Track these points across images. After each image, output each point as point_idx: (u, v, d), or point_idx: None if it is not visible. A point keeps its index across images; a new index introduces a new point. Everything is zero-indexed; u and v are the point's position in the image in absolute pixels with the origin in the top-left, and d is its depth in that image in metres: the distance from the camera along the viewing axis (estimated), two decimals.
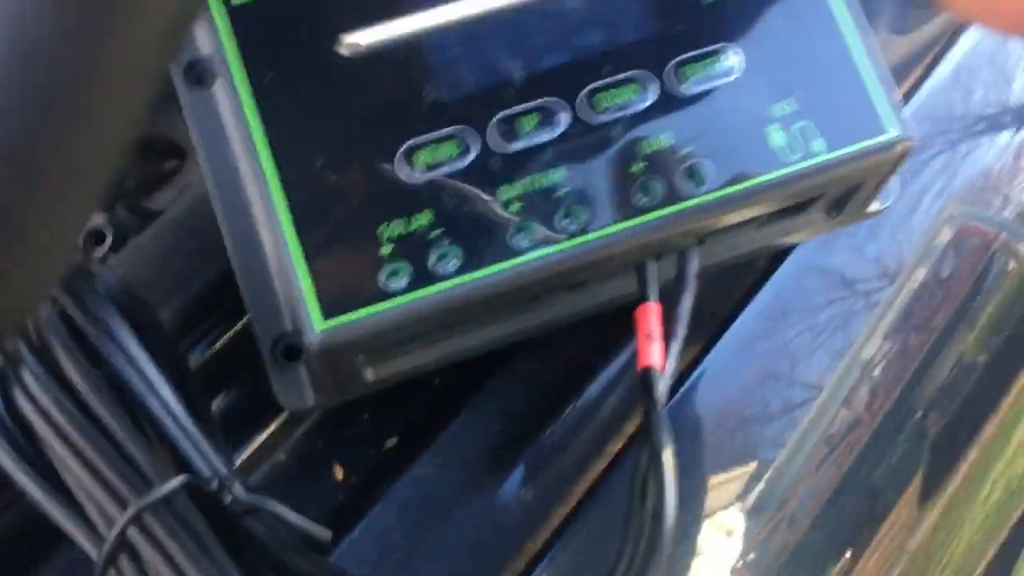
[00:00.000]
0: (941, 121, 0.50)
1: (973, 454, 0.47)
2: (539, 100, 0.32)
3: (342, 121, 0.31)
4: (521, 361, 0.41)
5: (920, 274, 0.46)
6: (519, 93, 0.32)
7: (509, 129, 0.32)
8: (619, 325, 0.40)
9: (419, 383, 0.40)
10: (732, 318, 0.41)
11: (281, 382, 0.33)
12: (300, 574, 0.27)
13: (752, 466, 0.40)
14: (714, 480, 0.40)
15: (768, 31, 0.33)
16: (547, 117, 0.32)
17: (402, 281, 0.30)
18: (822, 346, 0.43)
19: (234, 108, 0.31)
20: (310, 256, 0.30)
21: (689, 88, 0.32)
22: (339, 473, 0.39)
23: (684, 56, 0.33)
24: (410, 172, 0.31)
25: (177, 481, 0.26)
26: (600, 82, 0.32)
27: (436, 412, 0.40)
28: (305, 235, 0.30)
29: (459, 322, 0.33)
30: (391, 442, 0.40)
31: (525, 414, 0.40)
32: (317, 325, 0.30)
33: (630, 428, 0.40)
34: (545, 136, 0.32)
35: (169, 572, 0.25)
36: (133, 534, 0.26)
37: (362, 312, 0.30)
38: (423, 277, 0.30)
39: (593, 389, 0.41)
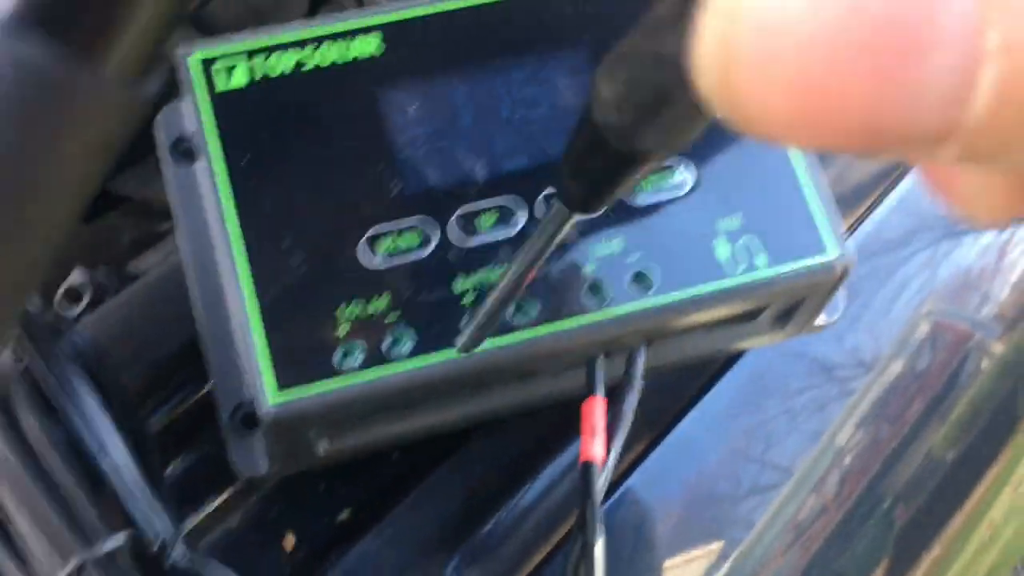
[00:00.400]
0: (926, 218, 0.52)
1: (936, 549, 0.48)
2: (499, 198, 0.34)
3: (311, 205, 0.33)
4: (474, 446, 0.42)
5: (896, 366, 0.47)
6: (481, 191, 0.34)
7: (469, 224, 0.34)
8: (570, 416, 0.41)
9: (377, 456, 0.41)
10: (706, 392, 0.42)
11: (237, 449, 0.34)
12: None
13: (719, 545, 0.41)
14: (680, 556, 0.41)
15: (720, 150, 0.35)
16: (505, 216, 0.34)
17: (356, 360, 0.32)
18: (796, 429, 0.44)
19: (211, 185, 0.33)
20: (269, 329, 0.32)
21: (642, 199, 0.34)
22: (289, 543, 0.40)
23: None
24: (372, 258, 0.33)
25: (120, 538, 0.27)
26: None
27: (392, 486, 0.41)
28: (266, 309, 0.32)
29: (410, 403, 0.34)
30: (344, 514, 0.41)
31: (474, 496, 0.41)
32: (270, 396, 0.31)
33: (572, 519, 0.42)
34: (502, 234, 0.34)
35: None
36: None
37: (315, 387, 0.31)
38: (376, 358, 0.32)
39: (542, 477, 0.42)
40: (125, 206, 0.57)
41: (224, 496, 0.40)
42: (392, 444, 0.37)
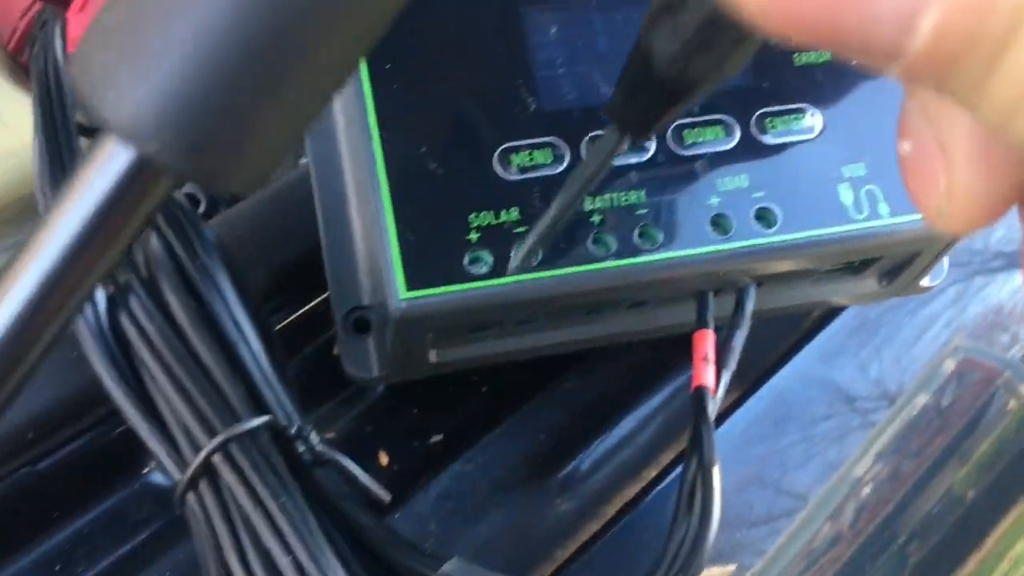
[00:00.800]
0: (960, 253, 0.51)
1: None
2: None
3: (449, 114, 0.34)
4: (567, 380, 0.43)
5: (920, 401, 0.47)
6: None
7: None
8: (663, 355, 0.42)
9: (468, 388, 0.42)
10: (729, 414, 0.42)
11: (350, 352, 0.35)
12: (361, 528, 0.29)
13: (730, 569, 0.41)
14: None
15: (850, 99, 0.35)
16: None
17: (484, 267, 0.32)
18: (815, 458, 0.44)
19: (351, 90, 0.34)
20: (402, 229, 0.33)
21: (769, 138, 0.35)
22: (383, 459, 0.41)
23: (769, 109, 0.35)
24: (505, 170, 0.34)
25: (263, 419, 0.28)
26: (689, 119, 0.35)
27: (482, 418, 0.42)
28: (400, 210, 0.33)
29: (526, 318, 0.35)
30: (436, 438, 0.42)
31: (566, 430, 0.42)
32: (400, 293, 0.32)
33: (665, 458, 0.42)
34: (633, 159, 0.34)
35: (248, 500, 0.27)
36: (217, 461, 0.28)
37: (443, 289, 0.32)
38: (503, 267, 0.33)
39: (634, 416, 0.43)
40: None
41: (321, 410, 0.41)
42: (498, 361, 0.38)
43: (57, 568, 0.38)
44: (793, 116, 0.35)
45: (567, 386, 0.43)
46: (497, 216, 0.33)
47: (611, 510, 0.41)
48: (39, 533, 0.38)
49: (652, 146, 0.34)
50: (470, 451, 0.40)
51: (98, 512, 0.39)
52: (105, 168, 0.20)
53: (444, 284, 0.32)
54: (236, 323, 0.30)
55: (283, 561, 0.26)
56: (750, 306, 0.35)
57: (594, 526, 0.40)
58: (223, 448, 0.28)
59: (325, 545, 0.27)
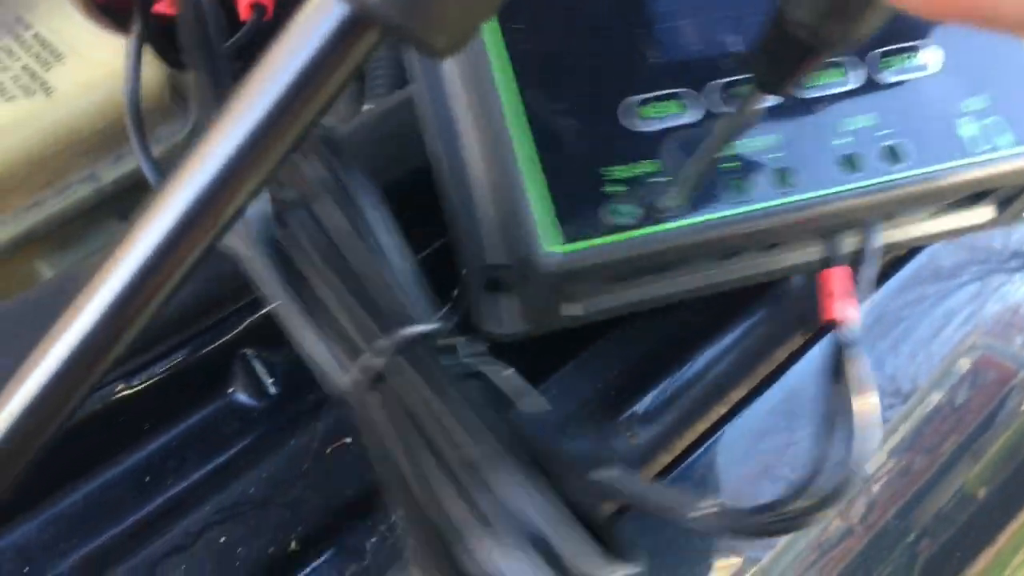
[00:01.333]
0: (979, 251, 0.52)
1: None
2: None
3: (582, 72, 0.35)
4: (640, 317, 0.43)
5: (934, 398, 0.47)
6: (739, 64, 0.35)
7: (729, 95, 0.35)
8: (732, 296, 0.42)
9: None
10: (742, 408, 0.42)
11: (485, 309, 0.36)
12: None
13: (738, 562, 0.41)
14: (699, 570, 0.41)
15: (968, 33, 0.36)
16: None
17: (627, 218, 0.33)
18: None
19: (485, 51, 0.34)
20: (549, 187, 0.33)
21: (890, 76, 0.35)
22: None
23: (888, 47, 0.36)
24: (639, 122, 0.34)
25: (430, 326, 0.29)
26: None
27: (555, 353, 0.42)
28: (547, 168, 0.33)
29: (667, 266, 0.36)
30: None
31: (639, 366, 0.42)
32: (551, 247, 0.32)
33: (736, 395, 0.43)
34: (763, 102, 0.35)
35: (420, 403, 0.27)
36: (385, 365, 0.28)
37: (591, 242, 0.33)
38: (648, 218, 0.33)
39: (705, 354, 0.43)
40: None
41: None
42: (630, 310, 0.39)
43: (147, 479, 0.38)
44: (911, 53, 0.36)
45: (640, 323, 0.43)
46: (634, 168, 0.33)
47: (682, 444, 0.41)
48: (131, 446, 0.38)
49: None
50: (543, 385, 0.40)
51: (186, 428, 0.39)
52: (320, 21, 0.20)
53: (591, 237, 0.33)
54: (388, 235, 0.31)
55: (452, 455, 0.27)
56: (877, 242, 0.36)
57: (665, 459, 0.41)
58: (400, 349, 0.28)
59: (493, 439, 0.27)
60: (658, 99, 0.35)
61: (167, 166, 0.47)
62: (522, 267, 0.33)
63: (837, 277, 0.35)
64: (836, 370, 0.34)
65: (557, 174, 0.33)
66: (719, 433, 0.41)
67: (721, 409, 0.42)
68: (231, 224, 0.21)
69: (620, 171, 0.33)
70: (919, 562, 0.45)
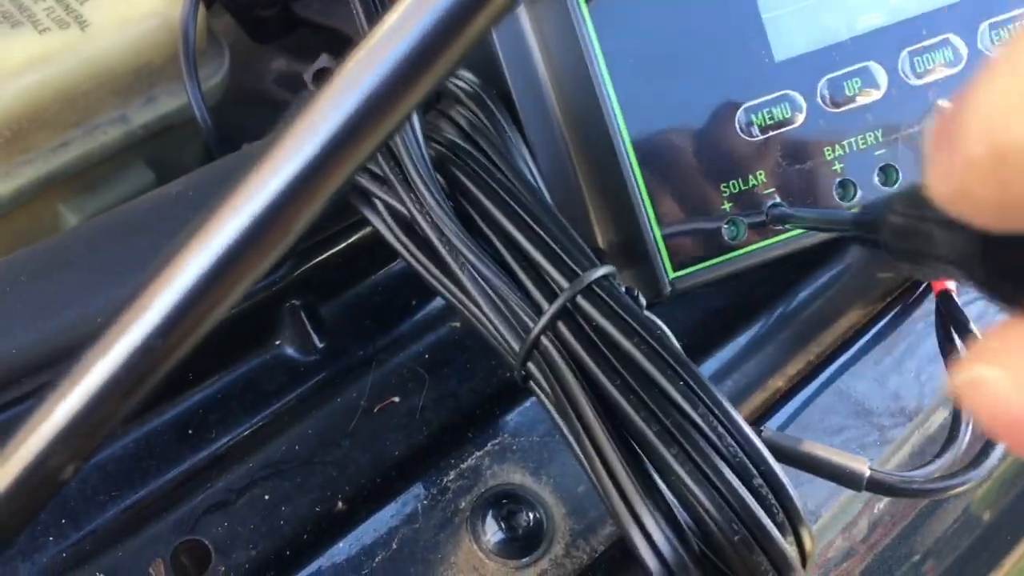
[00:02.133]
0: None
1: None
2: (861, 63, 0.34)
3: (685, 88, 0.34)
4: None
5: (938, 417, 0.45)
6: (844, 58, 0.35)
7: (835, 92, 0.34)
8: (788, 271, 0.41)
9: None
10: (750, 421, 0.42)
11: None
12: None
13: None
14: None
15: None
16: (868, 80, 0.34)
17: (740, 234, 0.34)
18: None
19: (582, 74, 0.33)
20: (660, 213, 0.34)
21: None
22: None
23: (995, 19, 0.35)
24: (748, 133, 0.34)
25: (608, 267, 0.28)
26: (917, 45, 0.35)
27: None
28: (655, 195, 0.34)
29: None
30: None
31: (694, 335, 0.41)
32: (669, 275, 0.34)
33: (791, 369, 0.42)
34: (867, 99, 0.34)
35: (614, 333, 0.26)
36: (581, 302, 0.27)
37: (706, 264, 0.34)
38: (759, 231, 0.34)
39: (761, 325, 0.42)
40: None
41: None
42: None
43: (189, 432, 0.36)
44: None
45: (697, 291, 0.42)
46: (746, 181, 0.33)
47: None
48: (174, 397, 0.36)
49: (884, 82, 0.34)
50: None
51: (231, 380, 0.38)
52: None
53: (706, 260, 0.34)
54: (540, 183, 0.30)
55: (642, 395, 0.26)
56: None
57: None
58: (582, 293, 0.27)
59: (677, 378, 0.26)
60: (768, 105, 0.34)
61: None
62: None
63: None
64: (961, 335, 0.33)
65: (670, 202, 0.34)
66: (776, 409, 0.40)
67: (777, 383, 0.41)
68: (376, 150, 0.19)
69: (734, 186, 0.34)
70: None
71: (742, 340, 0.42)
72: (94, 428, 0.20)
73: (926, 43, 0.34)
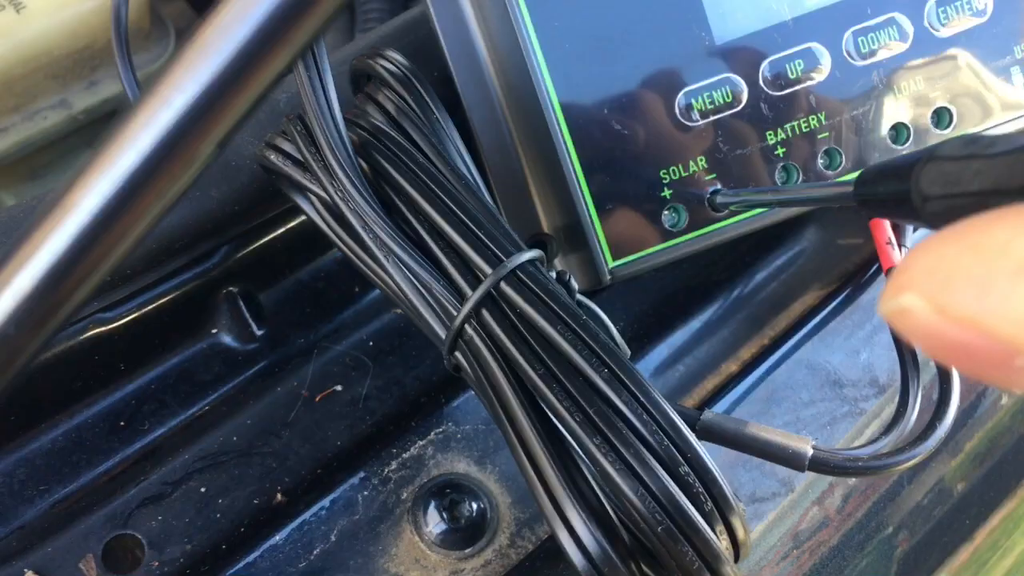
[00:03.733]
0: None
1: None
2: (804, 44, 0.34)
3: (625, 71, 0.33)
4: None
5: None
6: (786, 39, 0.34)
7: (778, 74, 0.33)
8: (745, 250, 0.40)
9: None
10: (718, 395, 0.41)
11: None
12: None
13: None
14: None
15: None
16: (811, 62, 0.33)
17: (680, 222, 0.33)
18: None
19: (518, 57, 0.32)
20: (599, 203, 0.33)
21: (945, 31, 0.33)
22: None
23: (941, 3, 0.34)
24: (688, 119, 0.33)
25: (534, 252, 0.27)
26: (863, 25, 0.34)
27: None
28: (594, 184, 0.33)
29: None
30: None
31: (647, 319, 0.41)
32: (608, 264, 0.33)
33: (745, 353, 0.41)
34: (809, 82, 0.33)
35: (537, 320, 0.26)
36: (505, 288, 0.27)
37: (645, 252, 0.33)
38: (699, 219, 0.33)
39: (714, 309, 0.41)
40: None
41: None
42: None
43: (122, 423, 0.35)
44: (965, 2, 0.34)
45: (642, 278, 0.41)
46: (687, 167, 0.32)
47: (690, 402, 0.39)
48: (106, 387, 0.36)
49: (827, 63, 0.33)
50: None
51: (165, 369, 0.37)
52: None
53: (646, 248, 0.33)
54: (468, 168, 0.29)
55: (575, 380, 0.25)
56: None
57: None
58: (511, 275, 0.27)
59: (602, 366, 0.25)
60: (708, 89, 0.33)
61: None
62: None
63: (884, 227, 0.34)
64: None
65: (608, 191, 0.33)
66: (726, 392, 0.40)
67: (731, 367, 0.40)
68: (225, 144, 0.18)
69: (675, 172, 0.33)
70: (896, 556, 0.44)
71: (696, 324, 0.41)
72: None
73: (871, 22, 0.33)
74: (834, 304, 0.42)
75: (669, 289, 0.41)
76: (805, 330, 0.42)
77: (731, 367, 0.40)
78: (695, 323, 0.40)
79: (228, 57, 0.17)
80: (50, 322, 0.19)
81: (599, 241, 0.33)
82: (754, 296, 0.42)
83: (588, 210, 0.33)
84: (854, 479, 0.42)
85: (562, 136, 0.32)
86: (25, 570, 0.32)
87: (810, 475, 0.39)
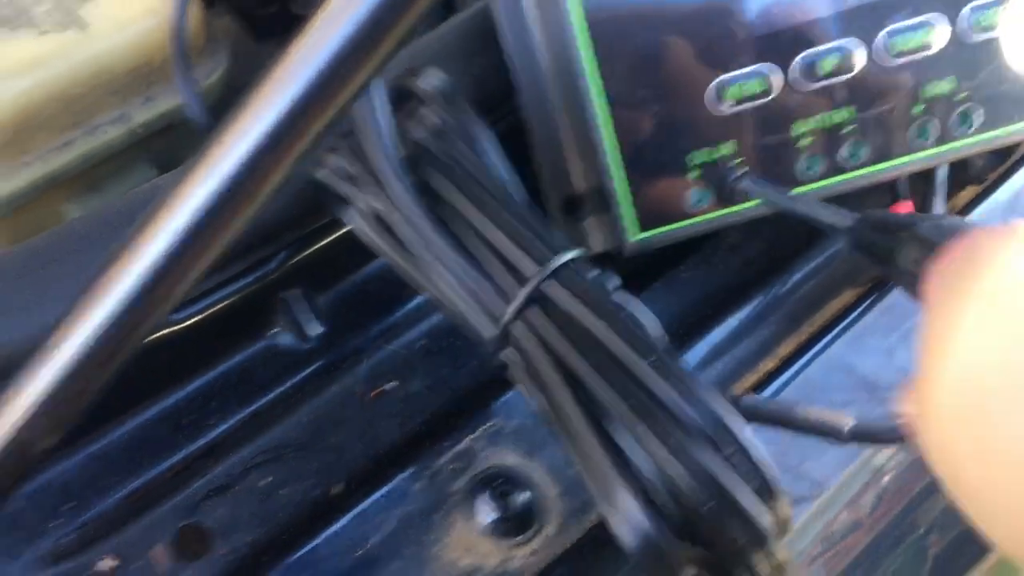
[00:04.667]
0: None
1: None
2: (840, 40, 0.35)
3: (663, 57, 0.35)
4: (685, 270, 0.43)
5: None
6: (821, 35, 0.35)
7: (810, 68, 0.35)
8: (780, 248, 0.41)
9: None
10: (756, 391, 0.42)
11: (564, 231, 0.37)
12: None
13: None
14: None
15: None
16: (845, 57, 0.35)
17: (704, 202, 0.35)
18: (834, 445, 0.43)
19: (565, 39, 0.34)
20: (631, 176, 0.35)
21: (979, 35, 0.35)
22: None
23: (978, 2, 0.35)
24: (719, 105, 0.35)
25: (578, 251, 0.29)
26: (899, 25, 0.35)
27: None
28: (628, 157, 0.35)
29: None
30: None
31: (683, 317, 0.42)
32: (632, 235, 0.35)
33: (783, 351, 0.42)
34: (842, 76, 0.35)
35: (583, 319, 0.27)
36: (549, 287, 0.28)
37: (670, 227, 0.35)
38: (722, 199, 0.35)
39: (750, 307, 0.43)
40: None
41: None
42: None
43: (185, 421, 0.37)
44: (1001, 6, 0.35)
45: (684, 275, 0.43)
46: (715, 151, 0.34)
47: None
48: (171, 386, 0.37)
49: (861, 59, 0.34)
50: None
51: (227, 369, 0.38)
52: None
53: (671, 223, 0.35)
54: (509, 173, 0.31)
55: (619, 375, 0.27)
56: (943, 176, 0.36)
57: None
58: (550, 278, 0.28)
59: (644, 356, 0.26)
60: (741, 79, 0.35)
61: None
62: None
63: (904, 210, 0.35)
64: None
65: (641, 166, 0.35)
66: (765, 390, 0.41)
67: (768, 364, 0.42)
68: (317, 144, 0.20)
69: (702, 156, 0.35)
70: (928, 557, 0.45)
71: (734, 322, 0.42)
72: (67, 403, 0.21)
73: (908, 22, 0.35)
74: (868, 305, 0.43)
75: (709, 288, 0.43)
76: (839, 331, 0.43)
77: (768, 364, 0.42)
78: (733, 321, 0.42)
79: (308, 82, 0.19)
80: (144, 325, 0.21)
81: (627, 212, 0.35)
82: (791, 295, 0.43)
83: (619, 182, 0.35)
84: (887, 479, 0.43)
85: (599, 112, 0.34)
86: (104, 555, 0.34)
87: (840, 478, 0.40)
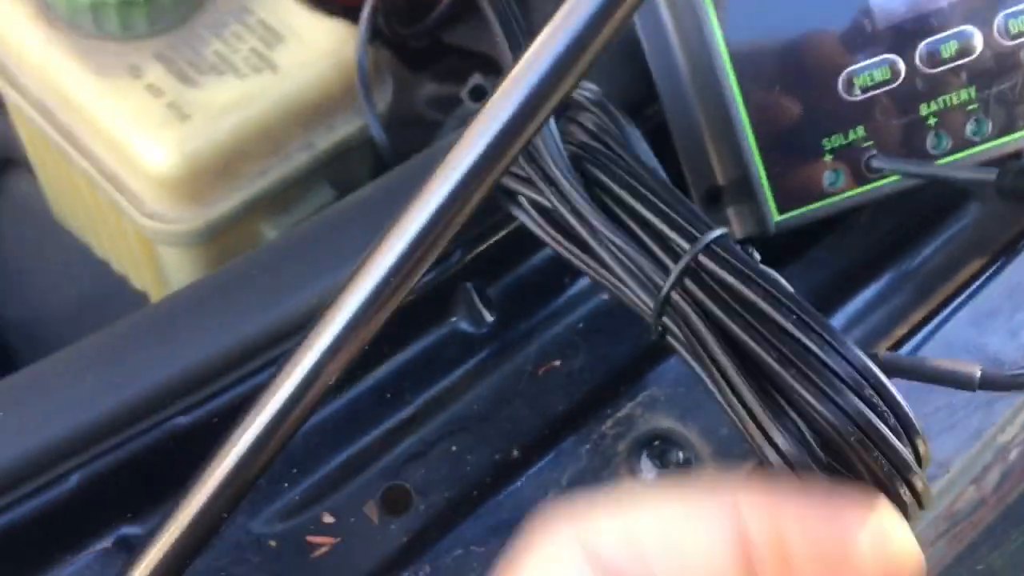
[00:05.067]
0: None
1: None
2: (958, 27, 0.39)
3: (795, 49, 0.39)
4: (816, 250, 0.47)
5: None
6: (943, 21, 0.39)
7: (933, 55, 0.39)
8: (909, 225, 0.45)
9: None
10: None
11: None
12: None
13: None
14: None
15: None
16: (965, 43, 0.39)
17: (840, 182, 0.39)
18: (958, 424, 0.43)
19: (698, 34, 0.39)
20: (768, 163, 0.39)
21: None
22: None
23: None
24: (850, 93, 0.39)
25: (723, 229, 0.33)
26: (1015, 8, 0.39)
27: None
28: (764, 146, 0.39)
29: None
30: None
31: (814, 295, 0.46)
32: (775, 217, 0.40)
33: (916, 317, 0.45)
34: (963, 59, 0.39)
35: (737, 289, 0.31)
36: (703, 259, 0.32)
37: (808, 208, 0.40)
38: (857, 179, 0.39)
39: (882, 281, 0.46)
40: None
41: None
42: None
43: (388, 395, 0.43)
44: None
45: (815, 255, 0.47)
46: (847, 136, 0.38)
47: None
48: (374, 367, 0.44)
49: (979, 43, 0.38)
50: None
51: (418, 351, 0.44)
52: None
53: (808, 204, 0.39)
54: (661, 172, 0.36)
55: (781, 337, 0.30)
56: None
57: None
58: (703, 252, 0.32)
59: (791, 313, 0.30)
60: (869, 67, 0.39)
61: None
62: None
63: None
64: None
65: (777, 152, 0.39)
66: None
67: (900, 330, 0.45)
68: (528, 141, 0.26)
69: (835, 140, 0.39)
70: None
71: (867, 295, 0.46)
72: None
73: (1021, 6, 0.38)
74: (994, 282, 0.45)
75: (843, 263, 0.46)
76: (963, 308, 0.45)
77: (900, 331, 0.45)
78: (868, 293, 0.45)
79: (523, 100, 0.24)
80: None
81: (767, 197, 0.39)
82: (921, 268, 0.46)
83: (758, 170, 0.39)
84: (1013, 456, 0.44)
85: (737, 104, 0.39)
86: (322, 512, 0.41)
87: (965, 455, 0.42)
